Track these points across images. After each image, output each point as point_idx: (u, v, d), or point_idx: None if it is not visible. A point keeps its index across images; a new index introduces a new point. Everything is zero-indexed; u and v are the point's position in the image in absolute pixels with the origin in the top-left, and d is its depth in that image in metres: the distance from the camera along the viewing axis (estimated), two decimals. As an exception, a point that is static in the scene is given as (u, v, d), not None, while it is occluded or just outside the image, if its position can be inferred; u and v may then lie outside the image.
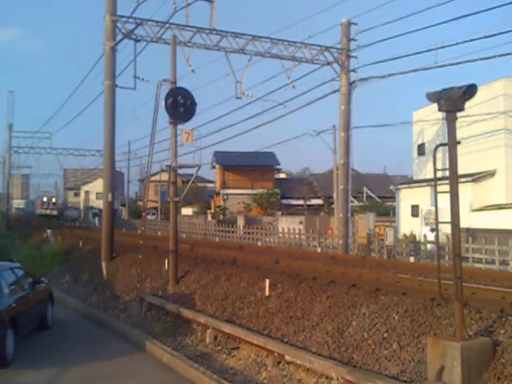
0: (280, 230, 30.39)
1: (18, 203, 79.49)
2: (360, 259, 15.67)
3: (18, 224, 51.36)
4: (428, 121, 26.35)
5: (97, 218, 47.58)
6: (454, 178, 6.25)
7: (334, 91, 21.63)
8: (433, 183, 6.56)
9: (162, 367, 9.05)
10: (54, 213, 57.85)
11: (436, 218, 6.46)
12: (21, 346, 9.62)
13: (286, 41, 20.67)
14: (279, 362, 8.23)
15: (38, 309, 11.17)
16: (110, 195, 18.04)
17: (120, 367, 9.15)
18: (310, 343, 8.36)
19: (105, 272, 17.13)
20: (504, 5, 15.11)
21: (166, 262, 14.21)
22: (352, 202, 26.95)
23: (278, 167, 54.98)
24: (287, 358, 8.06)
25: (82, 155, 50.71)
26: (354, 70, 21.45)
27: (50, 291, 12.37)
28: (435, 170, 6.39)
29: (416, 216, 27.92)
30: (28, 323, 10.28)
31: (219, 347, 9.57)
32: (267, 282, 10.55)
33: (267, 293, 10.45)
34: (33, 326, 10.80)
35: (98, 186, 60.89)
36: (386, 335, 7.52)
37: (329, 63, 21.45)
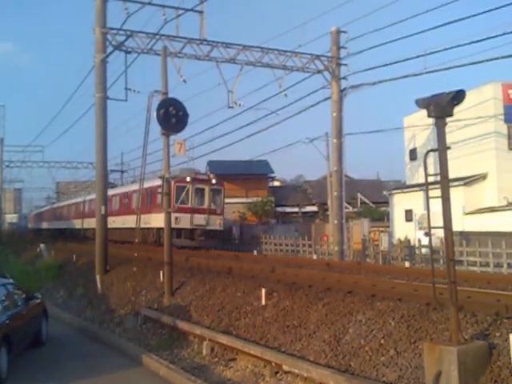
0: (275, 238, 30.35)
1: (10, 218, 78.99)
2: (355, 265, 15.67)
3: (10, 239, 50.97)
4: (419, 126, 26.50)
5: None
6: (445, 183, 6.28)
7: (326, 99, 21.79)
8: (425, 188, 6.59)
9: (159, 381, 8.95)
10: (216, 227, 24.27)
11: (428, 223, 6.48)
12: (15, 364, 9.49)
13: (276, 50, 20.82)
14: (277, 372, 8.18)
15: (32, 325, 11.05)
16: (103, 208, 17.98)
17: (117, 382, 9.06)
18: (307, 352, 8.32)
19: (99, 286, 17.01)
20: (491, 10, 15.31)
21: (161, 273, 14.14)
22: (346, 208, 26.98)
23: (272, 175, 54.96)
24: (285, 367, 8.01)
25: (75, 168, 50.50)
26: (344, 78, 21.64)
27: (43, 307, 12.25)
28: (426, 176, 6.42)
29: (410, 221, 28.00)
30: (22, 340, 10.16)
31: (216, 359, 9.51)
32: (263, 291, 10.51)
33: (263, 302, 10.41)
34: (27, 342, 10.68)
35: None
36: (382, 341, 7.50)
37: (319, 71, 21.60)
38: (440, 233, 6.69)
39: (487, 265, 18.39)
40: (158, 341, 11.21)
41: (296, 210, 48.85)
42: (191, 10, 17.73)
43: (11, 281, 11.91)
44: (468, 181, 24.95)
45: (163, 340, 11.17)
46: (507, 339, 6.09)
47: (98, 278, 17.27)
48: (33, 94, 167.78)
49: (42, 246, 30.26)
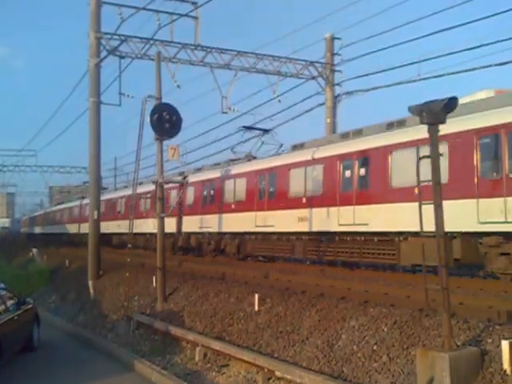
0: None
1: (3, 222, 78.52)
2: (348, 271, 15.64)
3: (2, 243, 50.61)
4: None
5: None
6: (438, 189, 6.31)
7: (320, 105, 21.88)
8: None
9: (151, 387, 8.91)
10: None
11: (421, 229, 6.50)
12: (6, 370, 9.41)
13: (270, 56, 20.90)
14: (269, 378, 8.14)
15: (24, 330, 10.96)
16: (95, 213, 17.91)
17: (108, 388, 9.00)
18: (300, 358, 8.30)
19: (92, 291, 16.93)
20: (485, 18, 15.45)
21: (154, 279, 14.09)
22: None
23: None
24: (277, 373, 7.98)
25: (68, 172, 50.42)
26: (338, 84, 21.77)
27: (35, 312, 12.16)
28: (419, 182, 6.46)
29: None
30: (13, 345, 10.07)
31: (209, 365, 9.46)
32: (256, 296, 10.49)
33: (256, 308, 10.39)
34: (18, 348, 10.59)
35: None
36: (375, 347, 7.50)
37: (313, 77, 21.71)
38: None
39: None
40: (150, 346, 11.15)
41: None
42: (186, 15, 17.76)
43: (3, 285, 11.82)
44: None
45: (156, 346, 11.10)
46: (499, 345, 6.11)
47: (90, 282, 17.19)
48: (27, 98, 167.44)
49: (34, 250, 30.14)
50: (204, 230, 20.41)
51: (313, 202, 15.25)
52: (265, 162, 18.23)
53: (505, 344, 5.94)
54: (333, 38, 21.61)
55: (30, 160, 49.03)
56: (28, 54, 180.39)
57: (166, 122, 13.46)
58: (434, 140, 6.46)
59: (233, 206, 18.98)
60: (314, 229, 15.07)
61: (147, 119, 13.48)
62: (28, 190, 66.34)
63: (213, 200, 20.41)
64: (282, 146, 19.63)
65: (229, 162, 21.05)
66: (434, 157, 6.40)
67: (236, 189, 18.99)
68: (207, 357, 9.70)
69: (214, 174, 20.60)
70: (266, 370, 8.17)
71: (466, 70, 16.70)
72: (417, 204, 6.45)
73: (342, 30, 31.54)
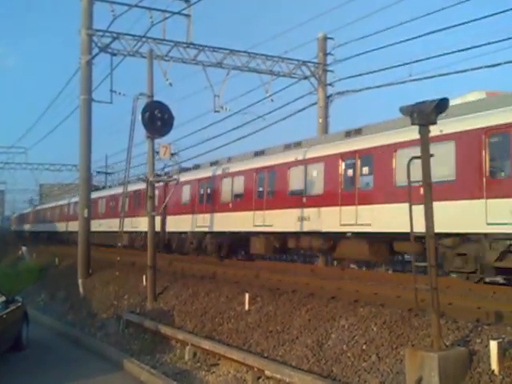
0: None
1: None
2: (339, 271, 15.70)
3: (-8, 241, 50.21)
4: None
5: None
6: (428, 190, 6.33)
7: (312, 104, 21.89)
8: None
9: (140, 386, 8.87)
10: None
11: (411, 229, 6.51)
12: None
13: (263, 55, 20.90)
14: (259, 378, 8.14)
15: (12, 329, 10.86)
16: (86, 211, 17.81)
17: (97, 387, 8.94)
18: (289, 357, 8.30)
19: (81, 289, 16.84)
20: (476, 19, 15.54)
21: (144, 278, 14.03)
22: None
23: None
24: (267, 373, 7.98)
25: (58, 170, 50.04)
26: (330, 84, 21.78)
27: (24, 310, 12.05)
28: (409, 183, 6.48)
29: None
30: (2, 344, 9.98)
31: (198, 364, 9.43)
32: (247, 296, 10.49)
33: (247, 307, 10.38)
34: (6, 346, 10.48)
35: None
36: (364, 347, 7.52)
37: (306, 77, 21.73)
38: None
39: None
40: (140, 345, 11.10)
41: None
42: (178, 13, 17.71)
43: (-9, 284, 11.73)
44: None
45: (145, 345, 11.06)
46: (487, 346, 6.15)
47: (80, 281, 17.10)
48: (17, 95, 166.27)
49: (23, 248, 29.93)
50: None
51: None
52: None
53: (493, 344, 5.98)
54: (325, 38, 21.63)
55: (20, 157, 48.66)
56: (19, 52, 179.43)
57: (157, 120, 13.41)
58: (424, 141, 6.48)
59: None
60: None
61: (139, 117, 13.42)
62: (18, 187, 65.89)
63: None
64: None
65: None
66: (425, 158, 6.42)
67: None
68: (197, 356, 9.67)
69: None
70: (255, 369, 8.17)
71: (458, 72, 16.81)
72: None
73: (334, 30, 31.52)
